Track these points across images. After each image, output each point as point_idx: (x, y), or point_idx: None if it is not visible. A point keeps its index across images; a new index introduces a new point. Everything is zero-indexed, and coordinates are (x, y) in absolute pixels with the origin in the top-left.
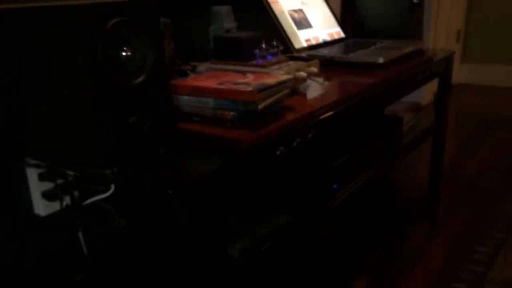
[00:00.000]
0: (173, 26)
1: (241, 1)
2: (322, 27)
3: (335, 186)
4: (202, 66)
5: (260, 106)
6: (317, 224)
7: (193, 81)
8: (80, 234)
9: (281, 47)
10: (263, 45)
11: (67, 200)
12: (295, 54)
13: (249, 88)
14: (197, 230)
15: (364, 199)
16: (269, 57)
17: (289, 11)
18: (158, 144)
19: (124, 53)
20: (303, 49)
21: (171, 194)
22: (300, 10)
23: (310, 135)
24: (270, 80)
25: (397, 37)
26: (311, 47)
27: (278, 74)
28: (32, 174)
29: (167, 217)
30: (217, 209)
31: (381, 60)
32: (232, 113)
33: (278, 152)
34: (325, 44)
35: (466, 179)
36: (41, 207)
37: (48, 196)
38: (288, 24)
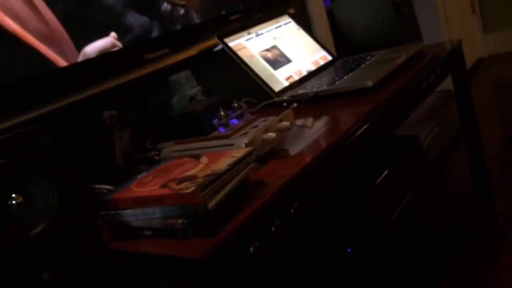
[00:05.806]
0: (135, 108)
1: (202, 60)
2: (304, 57)
3: (349, 250)
4: (166, 150)
5: (212, 205)
6: None
7: (136, 187)
8: None
9: (245, 106)
10: (221, 112)
11: None
12: (277, 99)
13: (191, 188)
14: None
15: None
16: (234, 121)
17: (260, 52)
18: None
19: (14, 201)
20: (285, 89)
21: None
22: (274, 47)
23: (292, 210)
24: (222, 164)
25: (391, 44)
26: (294, 85)
27: (235, 150)
28: None
29: None
30: None
31: (369, 83)
32: (180, 220)
33: (252, 249)
34: (311, 75)
35: None
36: None
37: None
38: (262, 68)
